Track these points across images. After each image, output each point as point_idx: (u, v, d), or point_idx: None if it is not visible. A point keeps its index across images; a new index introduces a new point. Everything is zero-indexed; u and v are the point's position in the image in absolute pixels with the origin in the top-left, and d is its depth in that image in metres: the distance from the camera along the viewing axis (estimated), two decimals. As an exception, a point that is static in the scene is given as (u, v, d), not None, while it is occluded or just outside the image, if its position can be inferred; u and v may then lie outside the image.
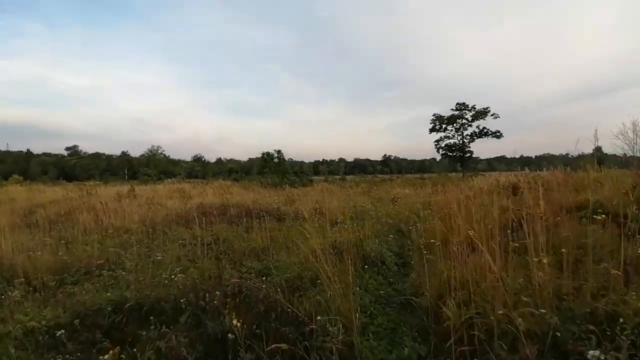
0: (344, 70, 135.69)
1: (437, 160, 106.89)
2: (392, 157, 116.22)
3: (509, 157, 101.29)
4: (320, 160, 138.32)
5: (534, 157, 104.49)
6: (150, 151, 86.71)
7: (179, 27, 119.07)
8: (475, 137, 40.68)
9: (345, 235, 5.72)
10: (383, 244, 5.80)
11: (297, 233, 6.16)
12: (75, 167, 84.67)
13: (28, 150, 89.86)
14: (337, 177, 47.09)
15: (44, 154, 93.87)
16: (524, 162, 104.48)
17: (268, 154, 33.01)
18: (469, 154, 41.49)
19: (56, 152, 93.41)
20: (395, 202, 12.01)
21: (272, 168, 32.05)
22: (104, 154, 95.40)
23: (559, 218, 5.36)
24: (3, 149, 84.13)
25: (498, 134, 39.52)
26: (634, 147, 15.19)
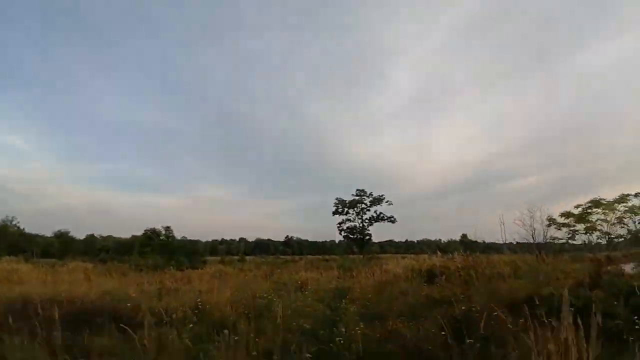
0: (249, 155, 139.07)
1: (337, 242, 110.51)
2: (294, 238, 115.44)
3: (396, 240, 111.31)
4: (219, 239, 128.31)
5: (416, 241, 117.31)
6: (3, 221, 67.43)
7: (73, 97, 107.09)
8: (373, 221, 43.24)
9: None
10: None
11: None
12: None
13: None
14: (236, 257, 42.64)
15: None
16: (409, 246, 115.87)
17: (153, 230, 27.93)
18: (368, 237, 43.31)
19: None
20: (304, 289, 9.97)
21: (155, 247, 26.80)
22: None
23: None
24: None
25: (392, 219, 42.94)
26: (532, 233, 17.17)
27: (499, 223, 17.71)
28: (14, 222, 69.98)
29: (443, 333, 4.19)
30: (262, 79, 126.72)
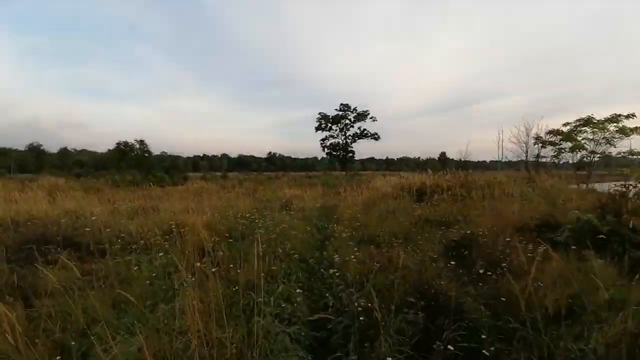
0: (228, 65, 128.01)
1: (319, 159, 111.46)
2: (277, 155, 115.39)
3: (377, 158, 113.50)
4: (201, 155, 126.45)
5: (396, 159, 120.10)
6: None
7: None
8: (357, 138, 42.54)
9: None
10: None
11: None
12: None
13: None
14: (219, 174, 42.22)
15: None
16: (389, 163, 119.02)
17: (126, 144, 26.19)
18: (351, 154, 43.15)
19: None
20: (289, 208, 9.56)
21: (130, 162, 25.53)
22: None
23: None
24: None
25: (376, 135, 42.30)
26: (526, 151, 16.94)
27: (493, 140, 17.42)
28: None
29: (449, 264, 3.75)
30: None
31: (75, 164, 50.24)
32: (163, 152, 74.64)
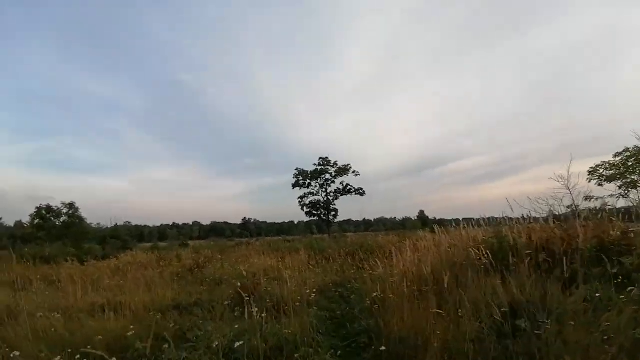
0: (203, 134, 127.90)
1: (296, 223, 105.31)
2: (252, 220, 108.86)
3: (354, 220, 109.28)
4: (170, 224, 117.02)
5: (373, 220, 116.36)
6: None
7: None
8: (339, 195, 38.16)
9: None
10: None
11: None
12: None
13: None
14: (177, 243, 35.51)
15: None
16: (368, 224, 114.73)
17: (49, 208, 20.14)
18: (334, 212, 38.33)
19: None
20: (253, 293, 4.41)
21: (52, 232, 19.34)
22: None
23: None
24: None
25: (361, 191, 38.13)
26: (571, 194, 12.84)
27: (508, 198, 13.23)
28: None
29: None
30: (212, 48, 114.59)
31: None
32: (127, 221, 66.59)
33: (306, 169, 38.59)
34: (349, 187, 38.10)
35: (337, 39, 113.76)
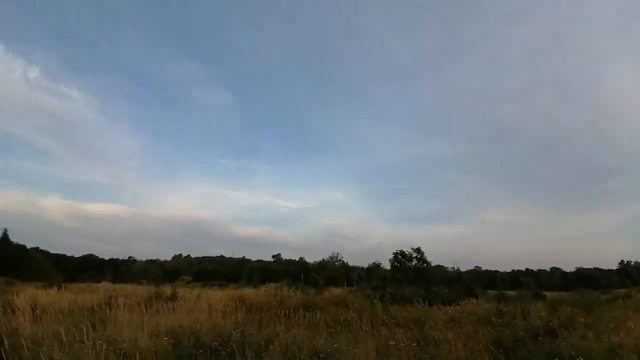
0: (536, 167, 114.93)
1: None
2: (632, 263, 77.62)
3: None
4: (523, 269, 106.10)
5: None
6: (331, 257, 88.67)
7: (366, 156, 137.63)
8: None
9: None
10: None
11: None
12: (274, 271, 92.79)
13: (243, 257, 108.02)
14: (530, 292, 30.48)
15: (257, 260, 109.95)
16: None
17: (402, 253, 24.12)
18: None
19: (267, 260, 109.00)
20: None
21: (407, 274, 22.80)
22: (294, 260, 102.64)
23: None
24: (228, 255, 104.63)
25: None
26: None
27: None
28: (338, 257, 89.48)
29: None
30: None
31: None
32: (476, 266, 67.78)
33: None
34: None
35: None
